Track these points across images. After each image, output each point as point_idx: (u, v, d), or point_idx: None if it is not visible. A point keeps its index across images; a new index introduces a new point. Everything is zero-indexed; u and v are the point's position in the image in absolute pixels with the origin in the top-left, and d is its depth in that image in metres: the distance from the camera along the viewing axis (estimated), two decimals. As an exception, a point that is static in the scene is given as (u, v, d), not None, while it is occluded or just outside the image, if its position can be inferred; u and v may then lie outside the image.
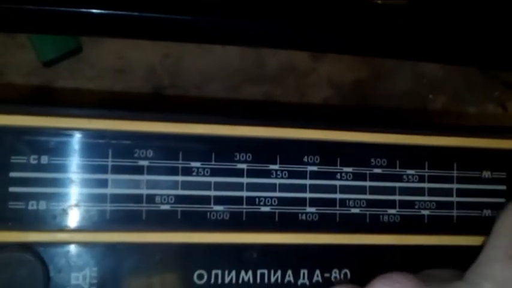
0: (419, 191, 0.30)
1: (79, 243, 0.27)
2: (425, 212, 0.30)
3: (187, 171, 0.28)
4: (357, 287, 0.24)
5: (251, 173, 0.29)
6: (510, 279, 0.21)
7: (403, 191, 0.30)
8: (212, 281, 0.28)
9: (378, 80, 0.50)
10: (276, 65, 0.48)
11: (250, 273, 0.28)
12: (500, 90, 0.54)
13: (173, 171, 0.28)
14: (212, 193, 0.28)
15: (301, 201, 0.29)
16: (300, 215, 0.29)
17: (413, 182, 0.30)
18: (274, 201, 0.29)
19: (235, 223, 0.28)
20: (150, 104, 0.45)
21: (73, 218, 0.27)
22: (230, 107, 0.46)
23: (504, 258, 0.22)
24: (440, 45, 0.31)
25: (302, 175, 0.29)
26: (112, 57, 0.46)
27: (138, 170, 0.27)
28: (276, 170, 0.29)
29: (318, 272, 0.29)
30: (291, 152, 0.29)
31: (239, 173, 0.28)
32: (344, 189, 0.30)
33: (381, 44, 0.30)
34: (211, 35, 0.29)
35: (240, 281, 0.28)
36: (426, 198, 0.30)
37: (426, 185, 0.30)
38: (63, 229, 0.26)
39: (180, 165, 0.28)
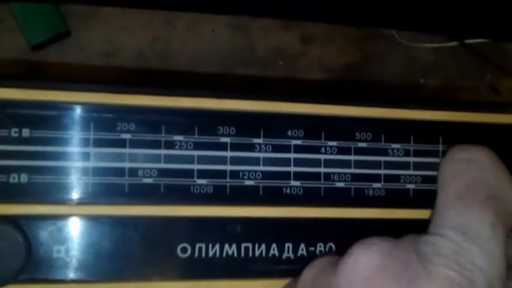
0: (405, 165, 0.30)
1: (61, 216, 0.27)
2: (411, 186, 0.30)
3: (170, 145, 0.28)
4: (337, 257, 0.24)
5: (235, 147, 0.28)
6: (470, 224, 0.21)
7: (388, 165, 0.30)
8: (196, 254, 0.28)
9: (369, 64, 0.50)
10: (265, 48, 0.48)
11: (234, 246, 0.28)
12: (492, 74, 0.54)
13: (156, 144, 0.28)
14: (195, 167, 0.28)
15: (286, 175, 0.29)
16: (284, 188, 0.29)
17: (398, 156, 0.30)
18: (258, 175, 0.29)
19: (219, 197, 0.28)
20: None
21: (55, 191, 0.26)
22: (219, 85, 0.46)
23: (458, 204, 0.22)
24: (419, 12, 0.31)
25: (286, 149, 0.29)
26: (101, 41, 0.46)
27: (121, 144, 0.27)
28: (260, 144, 0.29)
29: (302, 245, 0.29)
30: (275, 126, 0.29)
31: (223, 146, 0.28)
32: (328, 163, 0.29)
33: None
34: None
35: (224, 254, 0.28)
36: (411, 172, 0.30)
37: (411, 159, 0.30)
38: (44, 202, 0.26)
39: (162, 139, 0.28)
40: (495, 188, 0.22)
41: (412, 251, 0.22)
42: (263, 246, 0.29)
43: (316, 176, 0.29)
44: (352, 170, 0.30)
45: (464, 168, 0.23)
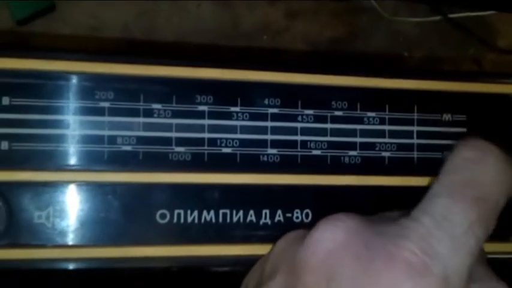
0: (380, 133, 0.31)
1: (41, 183, 0.27)
2: (386, 154, 0.31)
3: (148, 113, 0.28)
4: (306, 231, 0.24)
5: (212, 115, 0.29)
6: (449, 215, 0.21)
7: (364, 133, 0.31)
8: (175, 220, 0.28)
9: (353, 38, 0.50)
10: (250, 23, 0.48)
11: (212, 212, 0.29)
12: (475, 48, 0.54)
13: (134, 112, 0.28)
14: (173, 134, 0.28)
15: (263, 143, 0.29)
16: (261, 156, 0.29)
17: (374, 124, 0.31)
18: (236, 143, 0.29)
19: (196, 164, 0.29)
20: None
21: (35, 158, 0.27)
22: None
23: (447, 195, 0.22)
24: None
25: (263, 117, 0.30)
26: (86, 16, 0.47)
27: (99, 112, 0.28)
28: (237, 112, 0.29)
29: (279, 212, 0.30)
30: (252, 95, 0.30)
31: (200, 114, 0.29)
32: (305, 131, 0.30)
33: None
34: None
35: (203, 220, 0.29)
36: (387, 140, 0.31)
37: (387, 127, 0.31)
38: (25, 168, 0.27)
39: (141, 107, 0.28)
40: (489, 192, 0.22)
41: (378, 231, 0.22)
42: (241, 213, 0.29)
43: (292, 144, 0.30)
44: (329, 138, 0.30)
45: (467, 167, 0.23)
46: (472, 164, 0.23)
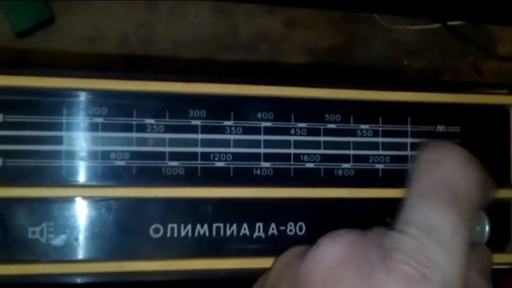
0: (374, 146, 0.31)
1: (35, 199, 0.27)
2: (380, 166, 0.31)
3: (141, 128, 0.28)
4: (309, 247, 0.24)
5: (205, 129, 0.29)
6: (433, 223, 0.22)
7: (357, 145, 0.31)
8: (168, 234, 0.29)
9: (352, 46, 0.50)
10: (248, 32, 0.48)
11: (206, 226, 0.29)
12: (475, 55, 0.54)
13: (128, 128, 0.28)
14: (167, 149, 0.29)
15: (256, 157, 0.30)
16: (254, 169, 0.30)
17: (367, 136, 0.31)
18: (229, 157, 0.29)
19: (190, 178, 0.29)
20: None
21: (29, 174, 0.27)
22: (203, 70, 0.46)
23: (422, 202, 0.23)
24: None
25: (256, 131, 0.30)
26: (85, 27, 0.47)
27: (93, 127, 0.28)
28: (230, 126, 0.29)
29: (273, 225, 0.30)
30: (245, 109, 0.30)
31: (193, 129, 0.29)
32: (298, 144, 0.30)
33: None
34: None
35: (196, 234, 0.29)
36: (380, 152, 0.31)
37: (380, 139, 0.31)
38: (19, 185, 0.27)
39: (134, 122, 0.28)
40: (460, 188, 0.23)
41: (375, 244, 0.22)
42: (234, 226, 0.29)
43: (286, 157, 0.30)
44: (322, 151, 0.30)
45: (432, 168, 0.24)
46: (436, 165, 0.24)
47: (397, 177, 0.31)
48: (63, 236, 0.28)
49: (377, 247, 0.22)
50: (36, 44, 0.45)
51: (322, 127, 0.30)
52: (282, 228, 0.30)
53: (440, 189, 0.23)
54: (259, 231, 0.30)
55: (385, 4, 0.31)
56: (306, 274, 0.23)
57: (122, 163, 0.28)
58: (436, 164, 0.24)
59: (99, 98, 0.28)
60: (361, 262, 0.22)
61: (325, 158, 0.30)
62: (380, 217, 0.30)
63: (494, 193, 0.28)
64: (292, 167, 0.30)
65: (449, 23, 0.54)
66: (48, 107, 0.28)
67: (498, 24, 0.53)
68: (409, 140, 0.31)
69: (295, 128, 0.30)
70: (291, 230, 0.30)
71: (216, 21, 0.49)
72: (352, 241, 0.23)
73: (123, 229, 0.28)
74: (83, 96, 0.28)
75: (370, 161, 0.31)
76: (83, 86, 0.28)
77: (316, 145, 0.30)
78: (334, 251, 0.23)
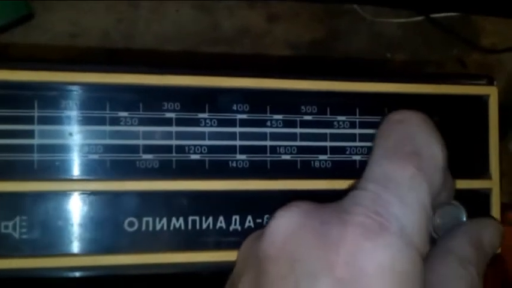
0: (351, 137, 0.31)
1: (8, 193, 0.27)
2: (357, 157, 0.31)
3: (115, 121, 0.28)
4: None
5: (180, 122, 0.29)
6: (391, 176, 0.22)
7: (334, 137, 0.31)
8: (143, 228, 0.28)
9: (334, 40, 0.50)
10: (230, 27, 0.48)
11: (181, 219, 0.29)
12: (459, 48, 0.54)
13: (101, 121, 0.28)
14: (141, 142, 0.28)
15: (231, 149, 0.29)
16: (230, 162, 0.29)
17: (344, 128, 0.31)
18: (204, 149, 0.29)
19: (165, 171, 0.29)
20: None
21: (1, 168, 0.27)
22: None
23: (384, 158, 0.23)
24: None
25: (231, 123, 0.29)
26: (65, 23, 0.47)
27: (65, 121, 0.28)
28: (205, 119, 0.29)
29: (249, 217, 0.30)
30: (219, 101, 0.29)
31: (168, 121, 0.29)
32: (274, 136, 0.30)
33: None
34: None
35: (172, 227, 0.29)
36: (357, 143, 0.31)
37: (357, 130, 0.31)
38: (-10, 179, 0.27)
39: (107, 115, 0.28)
40: (420, 146, 0.23)
41: (332, 208, 0.23)
42: (210, 219, 0.29)
43: (262, 149, 0.30)
44: (298, 143, 0.30)
45: (394, 128, 0.24)
46: (400, 125, 0.24)
47: (375, 169, 0.31)
48: (37, 231, 0.27)
49: (333, 209, 0.23)
50: (16, 39, 0.45)
51: (298, 119, 0.30)
52: (259, 220, 0.30)
53: (401, 145, 0.23)
54: (235, 224, 0.29)
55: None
56: (265, 249, 0.23)
57: (96, 156, 0.28)
58: (400, 123, 0.24)
59: (71, 91, 0.28)
60: (317, 225, 0.22)
61: (301, 149, 0.30)
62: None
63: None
64: (268, 159, 0.30)
65: (433, 16, 0.54)
66: (20, 101, 0.27)
67: (481, 14, 0.53)
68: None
69: (271, 120, 0.30)
70: (267, 223, 0.30)
71: (198, 17, 0.48)
72: (308, 209, 0.23)
73: (98, 223, 0.28)
74: (55, 90, 0.28)
75: (347, 152, 0.31)
76: (55, 79, 0.28)
77: (292, 137, 0.30)
78: (289, 220, 0.23)
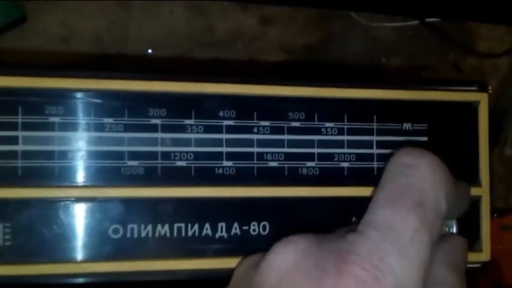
0: (339, 144, 0.31)
1: (-10, 200, 0.27)
2: (345, 164, 0.30)
3: (99, 127, 0.28)
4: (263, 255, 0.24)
5: (165, 128, 0.29)
6: (393, 225, 0.21)
7: (322, 143, 0.30)
8: (128, 235, 0.28)
9: (329, 44, 0.50)
10: (224, 30, 0.48)
11: (167, 227, 0.29)
12: (455, 52, 0.54)
13: (85, 127, 0.28)
14: (126, 148, 0.28)
15: (218, 156, 0.29)
16: (216, 169, 0.29)
17: (332, 134, 0.30)
18: (190, 156, 0.29)
19: (150, 178, 0.28)
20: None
21: (-16, 175, 0.27)
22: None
23: (387, 204, 0.22)
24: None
25: (218, 129, 0.29)
26: (57, 26, 0.46)
27: (49, 127, 0.28)
28: (191, 125, 0.29)
29: (236, 225, 0.29)
30: (206, 107, 0.29)
31: (153, 128, 0.29)
32: (261, 143, 0.30)
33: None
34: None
35: (157, 234, 0.28)
36: (345, 150, 0.31)
37: (345, 137, 0.31)
38: (-27, 186, 0.27)
39: (92, 122, 0.28)
40: (428, 196, 0.22)
41: (331, 248, 0.22)
42: (196, 226, 0.29)
43: (249, 156, 0.30)
44: (286, 150, 0.30)
45: (403, 172, 0.23)
46: (408, 169, 0.23)
47: (363, 176, 0.31)
48: (20, 238, 0.27)
49: (330, 251, 0.22)
50: (8, 43, 0.45)
51: (285, 125, 0.30)
52: (245, 228, 0.30)
53: (407, 193, 0.22)
54: (221, 231, 0.29)
55: (363, 1, 0.31)
56: (260, 282, 0.23)
57: (80, 163, 0.28)
58: (407, 167, 0.23)
59: (56, 97, 0.28)
60: (312, 268, 0.22)
61: (289, 156, 0.30)
62: (345, 216, 0.30)
63: (468, 203, 0.28)
64: (255, 166, 0.30)
65: (428, 20, 0.53)
66: (3, 107, 0.27)
67: (476, 21, 0.53)
68: (374, 138, 0.31)
69: (258, 127, 0.30)
70: (254, 230, 0.30)
71: (191, 20, 0.48)
72: (306, 247, 0.23)
73: (82, 230, 0.28)
74: (39, 96, 0.27)
75: (335, 159, 0.30)
76: (39, 85, 0.27)
77: (279, 144, 0.30)
78: (286, 257, 0.22)
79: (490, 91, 0.56)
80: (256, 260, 0.25)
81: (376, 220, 0.22)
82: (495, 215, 0.58)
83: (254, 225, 0.30)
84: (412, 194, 0.22)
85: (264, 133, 0.30)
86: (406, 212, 0.22)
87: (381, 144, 0.31)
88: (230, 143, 0.29)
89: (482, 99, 0.32)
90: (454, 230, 0.31)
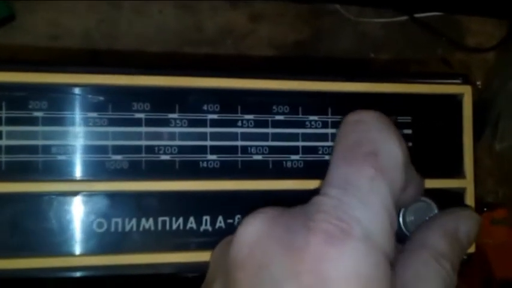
0: (323, 137, 0.31)
1: (-26, 195, 0.27)
2: (329, 157, 0.31)
3: (84, 122, 0.28)
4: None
5: (149, 122, 0.29)
6: (350, 179, 0.22)
7: (306, 137, 0.31)
8: (112, 229, 0.28)
9: (318, 40, 0.50)
10: (214, 27, 0.48)
11: (151, 220, 0.29)
12: (443, 47, 0.54)
13: (69, 121, 0.28)
14: (110, 142, 0.28)
15: (202, 149, 0.29)
16: (201, 162, 0.29)
17: (316, 127, 0.31)
18: (174, 150, 0.29)
19: (134, 172, 0.29)
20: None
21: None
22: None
23: (342, 161, 0.23)
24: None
25: (202, 123, 0.29)
26: (46, 24, 0.46)
27: (33, 121, 0.28)
28: (175, 119, 0.29)
29: (220, 218, 0.29)
30: (190, 101, 0.29)
31: (137, 122, 0.29)
32: (245, 137, 0.30)
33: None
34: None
35: (141, 228, 0.29)
36: (330, 143, 0.31)
37: (329, 130, 0.31)
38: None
39: (76, 116, 0.28)
40: (378, 145, 0.23)
41: (298, 214, 0.22)
42: (180, 220, 0.29)
43: (233, 150, 0.30)
44: (270, 143, 0.30)
45: (351, 129, 0.24)
46: (356, 126, 0.24)
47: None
48: (6, 232, 0.27)
49: (298, 215, 0.22)
50: (-2, 41, 0.45)
51: (270, 119, 0.30)
52: (230, 221, 0.30)
53: (358, 146, 0.23)
54: (206, 225, 0.29)
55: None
56: (233, 256, 0.23)
57: (64, 157, 0.28)
58: (355, 124, 0.24)
59: (40, 91, 0.28)
60: (282, 232, 0.22)
61: (273, 149, 0.30)
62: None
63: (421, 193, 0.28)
64: (239, 159, 0.30)
65: (417, 15, 0.54)
66: (-13, 102, 0.27)
67: (466, 14, 0.53)
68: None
69: (242, 120, 0.30)
70: (239, 223, 0.30)
71: (180, 18, 0.48)
72: (274, 215, 0.23)
73: (66, 224, 0.28)
74: (22, 90, 0.28)
75: (320, 152, 0.31)
76: (22, 80, 0.27)
77: (264, 137, 0.30)
78: (256, 227, 0.23)
79: (479, 86, 0.57)
80: (230, 238, 0.26)
81: (334, 179, 0.23)
82: (485, 209, 0.58)
83: (239, 218, 0.30)
84: (362, 147, 0.23)
85: (248, 126, 0.30)
86: (360, 164, 0.22)
87: (365, 137, 0.31)
88: (214, 136, 0.30)
89: (466, 92, 0.32)
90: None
